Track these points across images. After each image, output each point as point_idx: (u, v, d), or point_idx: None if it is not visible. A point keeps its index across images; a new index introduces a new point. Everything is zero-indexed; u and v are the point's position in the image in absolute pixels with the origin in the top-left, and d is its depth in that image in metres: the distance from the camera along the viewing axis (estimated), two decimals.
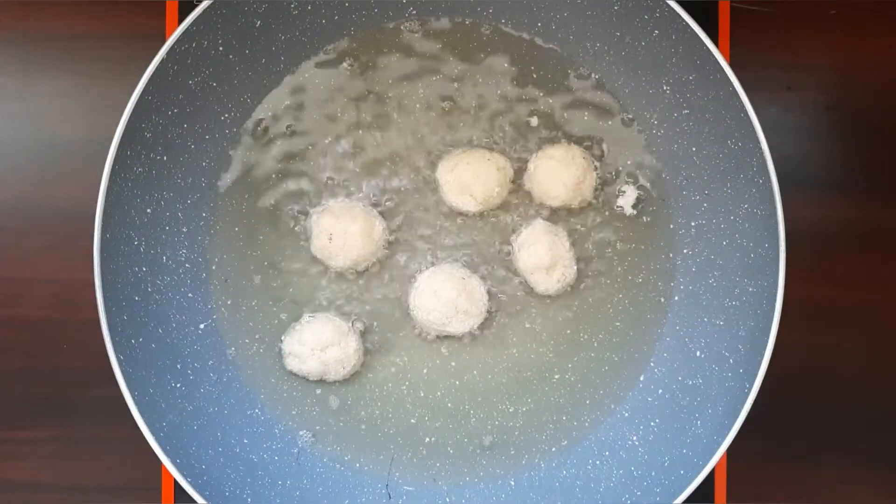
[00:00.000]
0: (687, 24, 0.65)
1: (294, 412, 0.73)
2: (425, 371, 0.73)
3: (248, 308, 0.73)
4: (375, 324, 0.73)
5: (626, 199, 0.73)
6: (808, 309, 0.76)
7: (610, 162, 0.74)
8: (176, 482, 0.65)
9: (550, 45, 0.73)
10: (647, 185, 0.73)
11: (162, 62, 0.65)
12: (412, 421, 0.73)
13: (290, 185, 0.73)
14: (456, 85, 0.74)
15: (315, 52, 0.73)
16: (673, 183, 0.73)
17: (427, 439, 0.73)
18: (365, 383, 0.73)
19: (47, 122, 0.76)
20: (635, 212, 0.73)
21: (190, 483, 0.65)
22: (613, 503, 0.69)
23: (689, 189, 0.72)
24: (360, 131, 0.73)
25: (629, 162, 0.73)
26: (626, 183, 0.73)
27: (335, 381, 0.73)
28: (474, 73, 0.74)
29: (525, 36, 0.73)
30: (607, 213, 0.74)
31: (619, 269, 0.74)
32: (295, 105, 0.73)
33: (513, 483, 0.73)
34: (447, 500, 0.72)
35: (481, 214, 0.73)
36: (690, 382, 0.71)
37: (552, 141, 0.74)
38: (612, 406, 0.73)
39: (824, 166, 0.78)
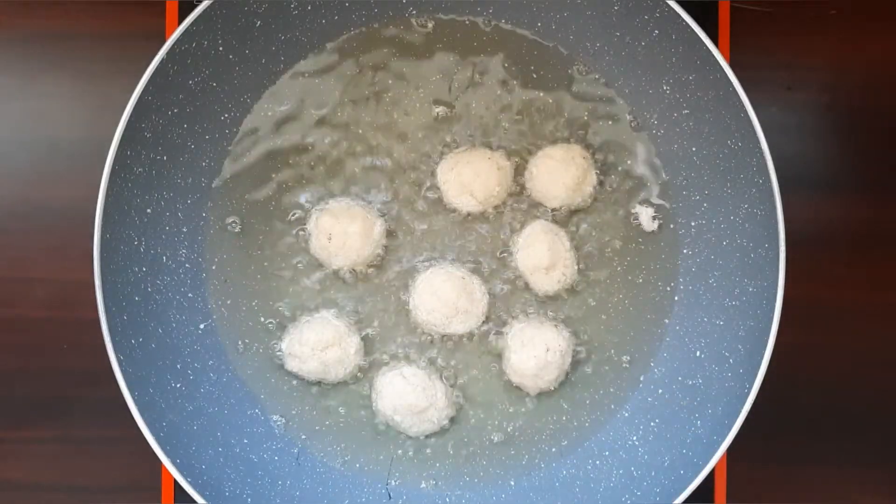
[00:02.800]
0: (687, 24, 0.65)
1: (294, 412, 0.73)
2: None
3: (248, 308, 0.73)
4: (375, 324, 0.73)
5: (644, 217, 0.73)
6: (808, 309, 0.76)
7: (610, 162, 0.74)
8: (176, 482, 0.65)
9: (550, 45, 0.73)
10: (648, 184, 0.73)
11: (162, 62, 0.65)
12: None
13: (290, 185, 0.73)
14: (456, 84, 0.74)
15: (315, 51, 0.73)
16: (673, 183, 0.73)
17: (427, 439, 0.73)
18: (365, 383, 0.73)
19: (47, 122, 0.76)
20: (655, 226, 0.73)
21: (190, 483, 0.65)
22: (613, 503, 0.69)
23: (689, 189, 0.72)
24: (360, 130, 0.73)
25: (629, 162, 0.74)
26: (642, 204, 0.73)
27: (335, 382, 0.73)
28: (474, 72, 0.74)
29: (525, 36, 0.73)
30: (607, 213, 0.74)
31: (619, 269, 0.74)
32: (294, 105, 0.73)
33: (513, 483, 0.73)
34: (447, 500, 0.72)
35: (481, 214, 0.73)
36: (690, 382, 0.71)
37: (552, 141, 0.74)
38: (612, 406, 0.73)
39: (824, 166, 0.78)
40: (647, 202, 0.73)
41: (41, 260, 0.76)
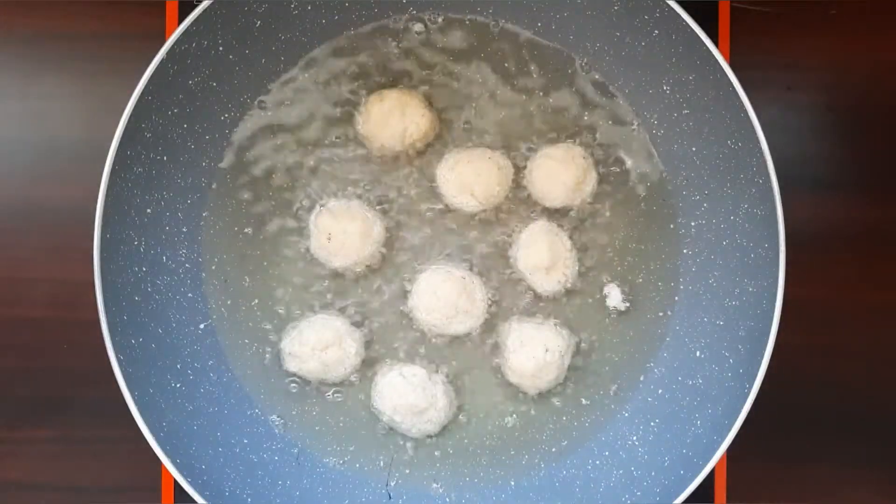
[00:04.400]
0: (687, 24, 0.65)
1: (294, 412, 0.73)
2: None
3: (247, 308, 0.73)
4: (375, 324, 0.73)
5: (613, 299, 0.73)
6: (808, 309, 0.76)
7: (610, 162, 0.74)
8: (176, 482, 0.65)
9: (551, 45, 0.73)
10: (648, 183, 0.73)
11: (162, 62, 0.65)
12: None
13: (290, 184, 0.73)
14: (456, 84, 0.74)
15: (315, 51, 0.73)
16: (673, 183, 0.73)
17: (427, 440, 0.73)
18: (365, 383, 0.73)
19: (47, 122, 0.76)
20: (626, 305, 0.73)
21: (190, 483, 0.65)
22: (613, 503, 0.69)
23: (689, 189, 0.72)
24: (361, 129, 0.73)
25: (629, 162, 0.74)
26: (607, 283, 0.73)
27: (335, 382, 0.73)
28: (474, 71, 0.74)
29: (525, 35, 0.73)
30: (607, 214, 0.74)
31: (619, 269, 0.74)
32: (294, 105, 0.73)
33: (513, 483, 0.73)
34: (447, 500, 0.72)
35: (482, 214, 0.73)
36: (690, 382, 0.71)
37: (552, 140, 0.74)
38: (612, 406, 0.73)
39: (824, 166, 0.78)
40: (614, 283, 0.73)
41: (41, 260, 0.76)
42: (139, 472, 0.75)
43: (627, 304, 0.73)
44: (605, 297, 0.73)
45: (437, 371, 0.73)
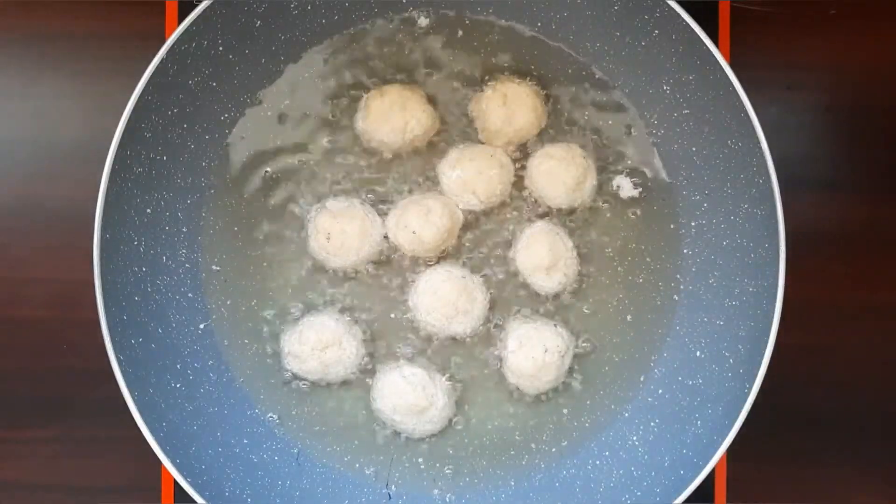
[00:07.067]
0: (687, 24, 0.65)
1: (294, 412, 0.73)
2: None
3: (247, 308, 0.73)
4: (375, 324, 0.73)
5: (624, 190, 0.73)
6: (808, 309, 0.76)
7: (610, 161, 0.74)
8: (176, 482, 0.65)
9: (551, 44, 0.73)
10: (648, 183, 0.73)
11: (162, 62, 0.65)
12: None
13: (289, 184, 0.73)
14: (457, 84, 0.74)
15: (315, 51, 0.73)
16: (673, 183, 0.73)
17: (427, 440, 0.73)
18: (365, 383, 0.73)
19: (47, 122, 0.76)
20: (636, 195, 0.73)
21: (190, 483, 0.65)
22: (613, 503, 0.69)
23: (689, 189, 0.72)
24: (361, 126, 0.73)
25: (629, 161, 0.74)
26: (622, 175, 0.73)
27: (335, 381, 0.73)
28: (475, 71, 0.74)
29: (525, 35, 0.73)
30: (608, 213, 0.74)
31: (620, 269, 0.74)
32: (294, 105, 0.73)
33: (513, 483, 0.73)
34: (446, 500, 0.72)
35: (482, 213, 0.73)
36: (690, 382, 0.71)
37: (552, 140, 0.74)
38: (612, 406, 0.73)
39: (824, 166, 0.78)
40: (625, 173, 0.73)
41: (41, 260, 0.76)
42: (139, 472, 0.75)
43: (639, 191, 0.73)
44: (618, 189, 0.73)
45: (437, 371, 0.73)
